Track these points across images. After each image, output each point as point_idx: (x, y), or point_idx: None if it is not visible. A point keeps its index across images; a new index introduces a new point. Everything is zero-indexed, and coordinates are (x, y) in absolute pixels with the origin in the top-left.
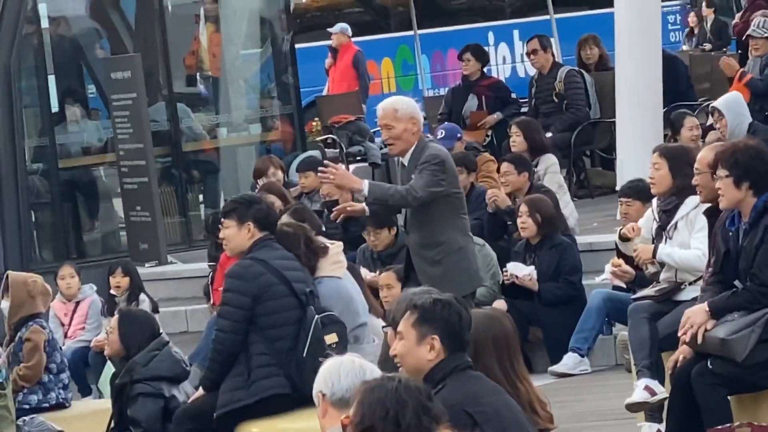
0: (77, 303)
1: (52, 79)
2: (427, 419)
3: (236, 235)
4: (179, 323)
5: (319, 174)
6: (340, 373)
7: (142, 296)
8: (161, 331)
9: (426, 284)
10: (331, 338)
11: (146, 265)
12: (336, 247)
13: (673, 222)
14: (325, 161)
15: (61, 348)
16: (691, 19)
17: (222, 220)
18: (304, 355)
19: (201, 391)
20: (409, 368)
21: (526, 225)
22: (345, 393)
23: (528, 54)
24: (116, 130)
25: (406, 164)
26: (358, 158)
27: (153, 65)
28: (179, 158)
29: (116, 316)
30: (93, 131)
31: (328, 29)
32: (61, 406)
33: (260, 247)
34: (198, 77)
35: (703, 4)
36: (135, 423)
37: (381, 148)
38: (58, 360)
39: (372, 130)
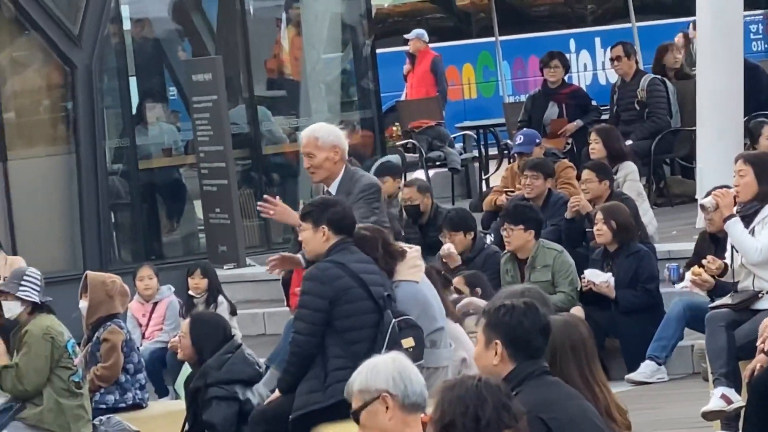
0: (155, 304)
1: (133, 81)
2: (507, 416)
3: (312, 238)
4: (257, 326)
5: (258, 207)
6: (411, 376)
7: (221, 298)
8: (233, 333)
9: None
10: (407, 342)
11: (225, 267)
12: (414, 251)
13: (750, 227)
14: (265, 196)
15: (138, 348)
16: None
17: (300, 223)
18: None
19: (277, 393)
20: (482, 372)
21: (601, 232)
22: (418, 398)
23: (612, 60)
24: (196, 132)
25: (333, 192)
26: (438, 163)
27: (234, 68)
28: (259, 161)
29: (187, 320)
30: (173, 133)
31: (405, 36)
32: (137, 406)
33: (338, 250)
34: (278, 80)
35: None
36: (210, 427)
37: (460, 154)
38: (135, 360)
39: (452, 136)
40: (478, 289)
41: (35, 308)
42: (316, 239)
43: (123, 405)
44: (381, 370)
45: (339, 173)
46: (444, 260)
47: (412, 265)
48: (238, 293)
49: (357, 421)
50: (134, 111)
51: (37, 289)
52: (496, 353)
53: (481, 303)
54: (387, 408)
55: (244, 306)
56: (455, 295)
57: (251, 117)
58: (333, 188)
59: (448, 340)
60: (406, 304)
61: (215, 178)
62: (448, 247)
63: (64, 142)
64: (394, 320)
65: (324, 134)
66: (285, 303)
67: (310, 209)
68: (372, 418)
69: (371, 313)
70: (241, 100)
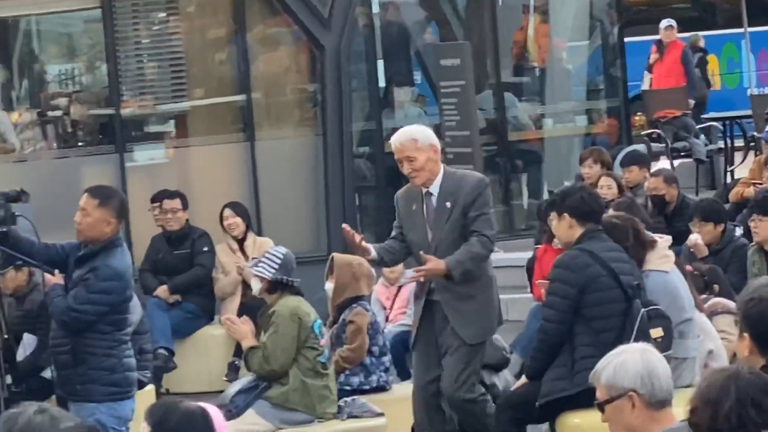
0: (399, 287)
1: (380, 64)
2: (752, 413)
3: (558, 227)
4: (504, 312)
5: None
6: (659, 373)
7: None
8: None
9: (456, 323)
10: (656, 332)
11: None
12: (664, 241)
13: None
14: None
15: (383, 331)
16: None
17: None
18: None
19: (524, 379)
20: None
21: None
22: (664, 394)
23: None
24: (443, 117)
25: (434, 193)
26: (683, 154)
27: (481, 54)
28: (504, 147)
29: None
30: (419, 117)
31: (660, 25)
32: (381, 388)
33: (588, 238)
34: (525, 67)
35: None
36: None
37: (706, 145)
38: (380, 343)
39: (697, 126)
40: (716, 286)
41: (284, 289)
42: (561, 227)
43: (367, 387)
44: (629, 368)
45: (439, 173)
46: (691, 250)
47: (663, 254)
48: None
49: (602, 411)
50: (381, 94)
51: (275, 267)
52: (746, 346)
53: (728, 303)
54: (633, 406)
55: None
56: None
57: (498, 103)
58: (434, 189)
59: (696, 331)
60: (655, 294)
61: (461, 163)
62: (696, 238)
63: (312, 124)
64: (643, 310)
65: (421, 135)
66: (528, 290)
67: (553, 199)
68: (617, 414)
69: (620, 302)
70: (488, 86)
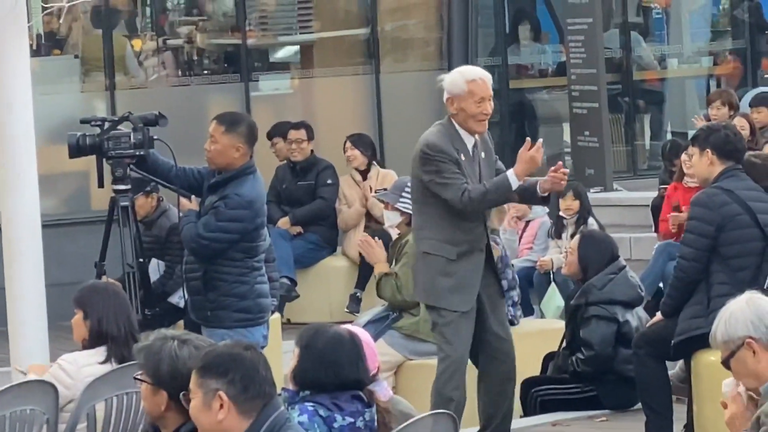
0: (527, 222)
1: (506, 0)
2: None
3: (698, 163)
4: (623, 250)
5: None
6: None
7: (591, 220)
8: (619, 255)
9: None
10: None
11: (591, 190)
12: None
13: None
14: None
15: (512, 266)
16: None
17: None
18: (766, 287)
19: (659, 316)
20: None
21: None
22: None
23: None
24: (570, 55)
25: (479, 145)
26: None
27: None
28: (629, 86)
29: (578, 236)
30: (543, 54)
31: None
32: (510, 323)
33: (727, 176)
34: (649, 7)
35: None
36: (587, 345)
37: None
38: (509, 277)
39: None
40: None
41: None
42: (701, 164)
43: None
44: (738, 317)
45: None
46: None
47: None
48: (605, 217)
49: (728, 368)
50: (506, 30)
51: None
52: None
53: None
54: (754, 353)
55: (610, 230)
56: None
57: (624, 42)
58: (480, 140)
59: None
60: None
61: (586, 101)
62: None
63: (437, 57)
64: None
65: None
66: (653, 229)
67: (696, 133)
68: (742, 366)
69: (758, 241)
70: (613, 24)
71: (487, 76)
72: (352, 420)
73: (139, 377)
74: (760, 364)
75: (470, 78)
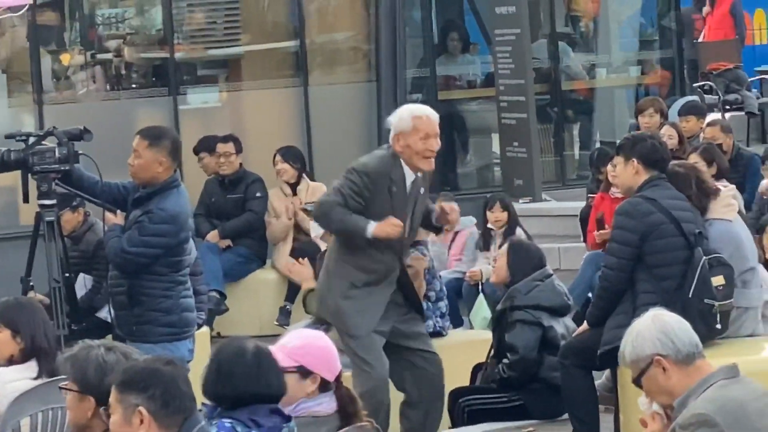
0: (456, 233)
1: (434, 12)
2: None
3: (622, 172)
4: (553, 260)
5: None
6: (675, 330)
7: (519, 231)
8: (546, 263)
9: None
10: (717, 280)
11: (520, 200)
12: (728, 190)
13: None
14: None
15: (440, 277)
16: None
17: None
18: (690, 295)
19: (585, 326)
20: None
21: None
22: (689, 348)
23: None
24: (497, 65)
25: (420, 181)
26: (735, 106)
27: (536, 3)
28: (557, 96)
29: (507, 243)
30: (471, 65)
31: None
32: (438, 334)
33: (651, 185)
34: (578, 17)
35: None
36: (512, 349)
37: (758, 98)
38: (437, 288)
39: (750, 79)
40: None
41: None
42: (626, 173)
43: None
44: (645, 336)
45: None
46: (764, 196)
47: (726, 203)
48: (533, 227)
49: (641, 387)
50: (435, 41)
51: None
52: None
53: None
54: (664, 369)
55: (539, 240)
56: None
57: (552, 52)
58: (421, 176)
59: (759, 280)
60: (718, 243)
61: (514, 111)
62: (765, 183)
63: (365, 69)
64: (704, 258)
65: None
66: (581, 238)
67: (622, 142)
68: (654, 383)
69: (682, 250)
70: (542, 35)
71: (434, 115)
72: None
73: (65, 386)
74: (670, 381)
75: (416, 114)
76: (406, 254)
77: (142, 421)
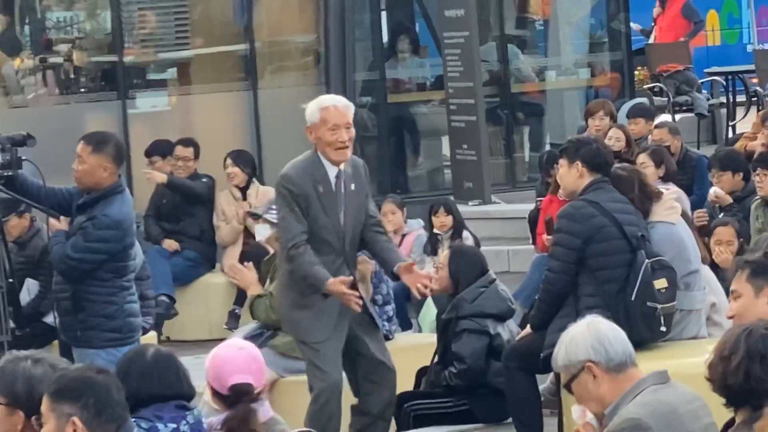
0: (403, 236)
1: (383, 15)
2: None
3: (566, 175)
4: (501, 263)
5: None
6: (609, 338)
7: (465, 234)
8: (489, 268)
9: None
10: (660, 283)
11: (470, 203)
12: (671, 193)
13: None
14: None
15: (387, 280)
16: None
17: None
18: (633, 298)
19: (528, 329)
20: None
21: None
22: (621, 356)
23: None
24: (447, 68)
25: (345, 174)
26: (685, 108)
27: (485, 5)
28: (507, 99)
29: (447, 252)
30: (421, 68)
31: None
32: (385, 338)
33: (594, 189)
34: (527, 19)
35: None
36: (459, 358)
37: (708, 99)
38: (384, 292)
39: (700, 81)
40: None
41: None
42: (570, 176)
43: None
44: (579, 341)
45: None
46: (714, 204)
47: (669, 206)
48: (483, 230)
49: (571, 392)
50: (384, 45)
51: None
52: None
53: None
54: (594, 376)
55: (489, 243)
56: None
57: (501, 55)
58: (346, 168)
59: (702, 283)
60: (661, 246)
61: (464, 114)
62: (714, 191)
63: (314, 73)
64: (647, 261)
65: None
66: (531, 241)
67: (566, 145)
68: (584, 389)
69: (624, 253)
70: (491, 37)
71: (344, 104)
72: (174, 425)
73: None
74: (600, 388)
75: (323, 105)
76: (351, 255)
77: (75, 431)
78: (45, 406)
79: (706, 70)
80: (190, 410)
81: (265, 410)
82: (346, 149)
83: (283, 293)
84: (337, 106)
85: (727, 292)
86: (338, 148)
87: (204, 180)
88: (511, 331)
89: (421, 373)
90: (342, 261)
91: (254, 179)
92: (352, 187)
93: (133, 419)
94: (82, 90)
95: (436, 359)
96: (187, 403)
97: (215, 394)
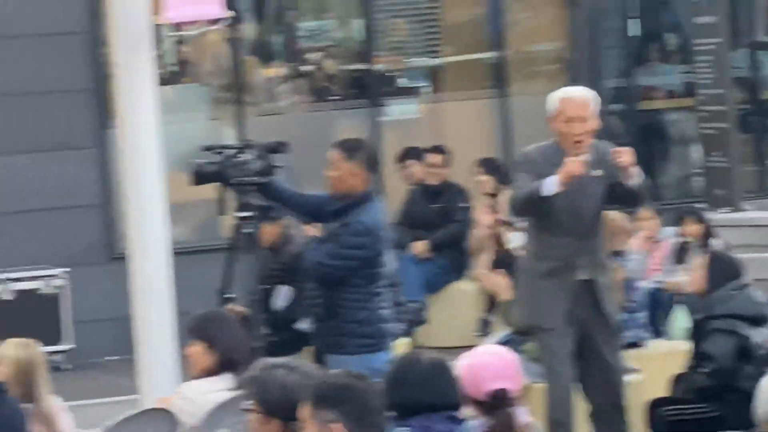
0: (656, 244)
1: (632, 21)
2: None
3: None
4: (755, 270)
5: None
6: None
7: (716, 241)
8: (743, 273)
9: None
10: None
11: (719, 211)
12: None
13: None
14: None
15: (639, 287)
16: None
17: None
18: None
19: None
20: None
21: None
22: None
23: None
24: (698, 75)
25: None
26: None
27: (735, 12)
28: (758, 106)
29: (707, 254)
30: (671, 74)
31: None
32: (635, 345)
33: None
34: None
35: None
36: (708, 358)
37: None
38: (636, 299)
39: None
40: None
41: None
42: None
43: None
44: None
45: None
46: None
47: None
48: (734, 237)
49: None
50: (634, 51)
51: None
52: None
53: None
54: None
55: (740, 250)
56: None
57: (752, 61)
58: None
59: None
60: None
61: (715, 121)
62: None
63: (564, 80)
64: None
65: (594, 101)
66: None
67: None
68: None
69: None
70: (742, 44)
71: (581, 97)
72: None
73: (248, 407)
74: None
75: (561, 97)
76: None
77: None
78: (306, 412)
79: None
80: (461, 422)
81: (522, 415)
82: (580, 143)
83: (520, 276)
84: (574, 98)
85: None
86: (572, 141)
87: (461, 206)
88: (765, 334)
89: (676, 380)
90: (579, 245)
91: (504, 185)
92: (593, 173)
93: (399, 428)
94: (334, 97)
95: (690, 364)
96: (457, 414)
97: (471, 400)
